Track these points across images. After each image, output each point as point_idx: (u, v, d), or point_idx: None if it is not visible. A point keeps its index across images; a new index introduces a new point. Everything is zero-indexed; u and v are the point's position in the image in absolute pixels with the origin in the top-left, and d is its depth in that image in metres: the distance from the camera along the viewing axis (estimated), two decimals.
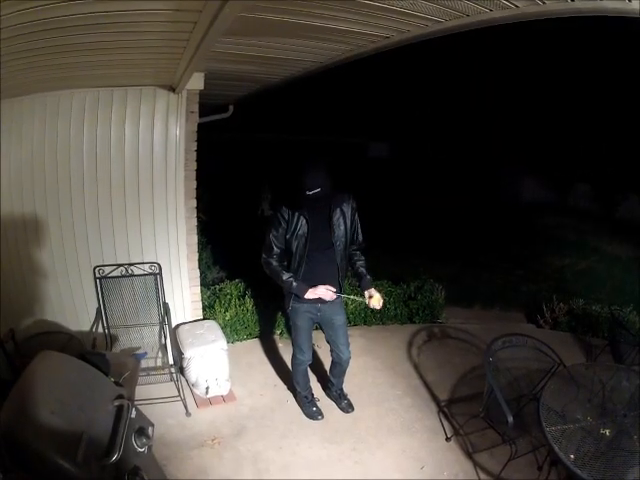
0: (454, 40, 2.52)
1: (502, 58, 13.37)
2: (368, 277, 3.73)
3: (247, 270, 5.57)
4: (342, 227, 3.57)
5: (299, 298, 3.62)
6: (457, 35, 2.44)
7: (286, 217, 3.47)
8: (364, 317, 5.82)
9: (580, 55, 12.33)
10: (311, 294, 3.52)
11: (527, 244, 10.40)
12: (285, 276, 3.51)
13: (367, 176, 14.08)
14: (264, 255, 3.56)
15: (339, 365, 4.08)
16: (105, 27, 2.18)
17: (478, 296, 7.31)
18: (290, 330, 3.99)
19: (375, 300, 3.61)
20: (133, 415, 2.40)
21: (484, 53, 12.88)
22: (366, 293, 3.65)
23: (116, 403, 2.30)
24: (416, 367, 4.97)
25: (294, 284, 3.51)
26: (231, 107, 5.44)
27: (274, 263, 3.54)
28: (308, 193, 3.21)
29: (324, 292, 3.53)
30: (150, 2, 1.90)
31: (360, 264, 3.76)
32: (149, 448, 2.45)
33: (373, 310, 5.77)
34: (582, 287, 7.58)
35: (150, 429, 2.49)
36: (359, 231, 3.72)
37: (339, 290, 3.72)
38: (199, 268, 4.63)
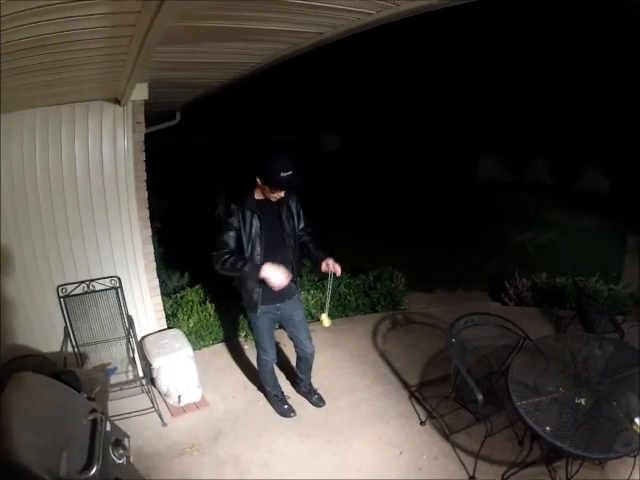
0: (399, 25, 2.55)
1: (450, 39, 13.49)
2: (319, 250, 3.74)
3: (208, 274, 5.59)
4: (291, 223, 3.65)
5: (258, 300, 3.65)
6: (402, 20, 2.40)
7: (236, 218, 3.47)
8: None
9: (524, 27, 12.51)
10: (264, 272, 3.36)
11: (486, 223, 10.52)
12: (239, 263, 3.41)
13: (322, 170, 14.16)
14: (215, 253, 3.45)
15: (305, 360, 4.13)
16: (47, 48, 2.19)
17: (440, 279, 7.44)
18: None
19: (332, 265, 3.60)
20: (108, 428, 2.42)
21: (431, 35, 12.95)
22: (323, 264, 3.61)
23: (90, 417, 2.32)
24: (383, 355, 5.05)
25: (246, 267, 3.40)
26: (178, 114, 5.43)
27: (226, 256, 3.43)
28: (283, 174, 3.24)
29: (277, 274, 3.38)
30: (86, 21, 1.91)
31: (312, 247, 3.77)
32: (128, 459, 2.47)
33: (334, 303, 5.84)
34: (546, 261, 7.73)
35: (126, 440, 2.52)
36: (304, 222, 3.79)
37: (295, 288, 3.82)
38: (159, 277, 4.62)
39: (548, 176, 14.66)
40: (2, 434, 1.85)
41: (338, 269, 3.59)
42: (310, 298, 5.76)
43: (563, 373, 3.34)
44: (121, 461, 2.35)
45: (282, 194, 3.46)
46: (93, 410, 2.40)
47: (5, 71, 2.34)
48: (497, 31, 12.61)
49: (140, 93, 3.87)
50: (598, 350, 3.54)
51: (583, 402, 3.10)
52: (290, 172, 3.26)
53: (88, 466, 2.01)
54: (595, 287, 5.99)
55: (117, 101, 3.90)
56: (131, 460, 2.64)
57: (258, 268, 3.38)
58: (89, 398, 2.64)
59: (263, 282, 3.47)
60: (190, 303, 5.35)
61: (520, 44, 12.92)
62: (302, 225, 3.78)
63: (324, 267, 3.61)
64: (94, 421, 2.31)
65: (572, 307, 5.82)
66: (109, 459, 2.28)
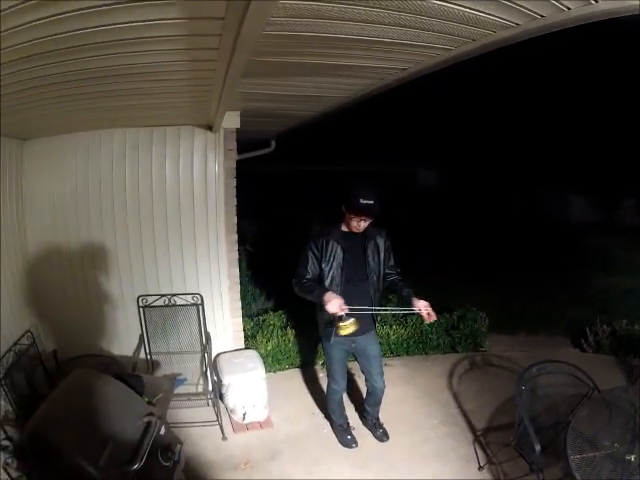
0: (495, 61, 2.57)
1: (543, 77, 13.21)
2: (409, 289, 3.72)
3: (292, 300, 5.71)
4: (376, 259, 3.67)
5: (334, 331, 3.60)
6: (497, 56, 2.45)
7: (319, 247, 3.55)
8: (406, 347, 5.82)
9: (620, 72, 12.04)
10: (325, 296, 3.39)
11: (573, 265, 10.20)
12: (311, 287, 3.51)
13: (417, 203, 14.13)
14: (295, 280, 3.60)
15: (374, 395, 4.11)
16: (138, 76, 2.44)
17: (523, 322, 7.19)
18: None
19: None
20: (162, 432, 2.57)
21: (525, 72, 12.72)
22: (417, 306, 3.57)
23: (145, 419, 2.48)
24: (455, 396, 4.95)
25: (315, 292, 3.47)
26: (273, 142, 5.64)
27: (304, 280, 3.56)
28: (362, 202, 3.32)
29: (335, 304, 3.34)
30: (170, 55, 2.12)
31: (401, 285, 3.77)
32: (175, 464, 2.61)
33: (415, 340, 5.81)
34: (629, 307, 7.31)
35: (177, 446, 2.66)
36: (393, 261, 3.81)
37: (372, 323, 3.83)
38: (244, 299, 4.77)
39: (637, 218, 13.93)
40: (44, 417, 2.04)
41: (434, 316, 3.57)
42: (392, 333, 5.75)
43: (623, 427, 3.14)
44: (167, 464, 2.49)
45: (362, 224, 3.49)
46: (150, 414, 2.57)
47: (93, 93, 2.61)
48: (590, 67, 12.18)
49: (232, 121, 4.10)
50: None
51: (633, 459, 2.91)
52: (371, 201, 3.33)
53: (130, 462, 2.16)
54: None
55: (209, 127, 4.13)
56: (181, 466, 2.78)
57: (323, 294, 3.40)
58: (149, 402, 2.81)
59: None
60: (271, 327, 5.47)
61: (612, 83, 12.42)
62: (391, 263, 3.80)
63: (420, 311, 3.57)
64: (148, 423, 2.47)
65: None
66: (156, 460, 2.42)
